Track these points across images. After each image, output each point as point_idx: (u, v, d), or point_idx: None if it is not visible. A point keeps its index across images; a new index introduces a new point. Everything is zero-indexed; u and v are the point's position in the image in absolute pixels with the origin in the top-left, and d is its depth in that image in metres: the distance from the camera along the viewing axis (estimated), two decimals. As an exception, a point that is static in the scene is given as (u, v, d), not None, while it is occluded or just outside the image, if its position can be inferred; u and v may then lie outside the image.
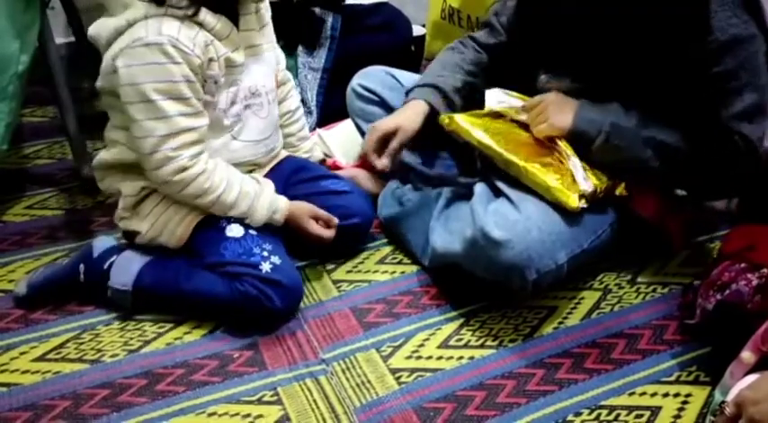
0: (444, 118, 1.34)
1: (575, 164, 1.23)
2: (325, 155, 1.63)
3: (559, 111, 1.25)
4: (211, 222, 1.26)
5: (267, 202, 1.27)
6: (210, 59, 1.19)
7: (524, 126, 1.30)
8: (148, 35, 1.14)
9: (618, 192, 1.27)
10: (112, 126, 1.28)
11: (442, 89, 1.39)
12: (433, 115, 1.37)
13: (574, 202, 1.19)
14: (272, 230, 1.29)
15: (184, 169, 1.19)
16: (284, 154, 1.44)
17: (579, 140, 1.25)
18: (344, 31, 1.79)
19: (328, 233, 1.32)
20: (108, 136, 1.29)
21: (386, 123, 1.36)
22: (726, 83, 1.19)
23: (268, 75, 1.34)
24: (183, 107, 1.18)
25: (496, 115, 1.33)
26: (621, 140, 1.22)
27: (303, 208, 1.31)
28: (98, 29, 1.20)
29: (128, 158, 1.25)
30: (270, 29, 1.35)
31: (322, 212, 1.32)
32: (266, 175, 1.37)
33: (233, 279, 1.21)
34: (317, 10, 1.78)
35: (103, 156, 1.30)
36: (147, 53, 1.14)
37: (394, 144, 1.35)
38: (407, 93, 1.42)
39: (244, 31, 1.27)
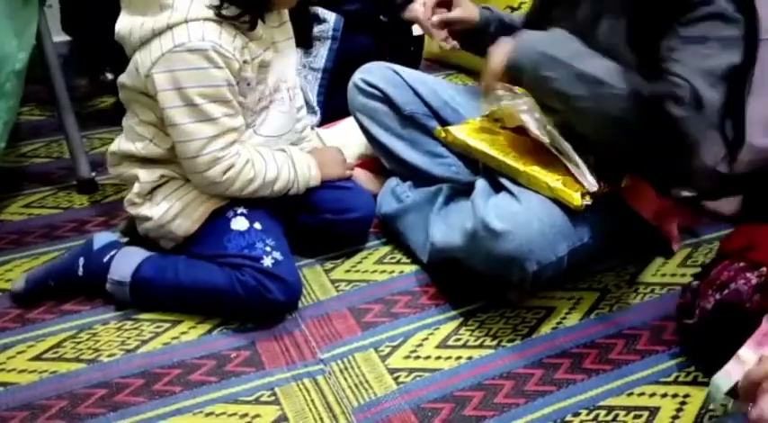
0: (440, 131, 1.36)
1: (576, 162, 1.22)
2: None
3: (501, 44, 1.22)
4: (218, 214, 1.27)
5: (304, 161, 1.32)
6: (245, 61, 1.20)
7: (520, 131, 1.30)
8: (192, 40, 1.14)
9: (623, 183, 1.27)
10: (139, 120, 1.27)
11: (494, 16, 1.45)
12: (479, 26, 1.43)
13: (577, 200, 1.18)
14: (276, 227, 1.29)
15: (231, 167, 1.22)
16: None
17: (516, 72, 1.19)
18: (344, 30, 1.79)
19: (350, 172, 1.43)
20: (132, 128, 1.29)
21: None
22: (696, 45, 1.14)
23: (290, 70, 1.35)
24: (227, 109, 1.19)
25: (490, 131, 1.32)
26: (551, 71, 1.14)
27: (327, 153, 1.40)
28: (128, 26, 1.20)
29: (154, 153, 1.26)
30: (289, 25, 1.35)
31: (340, 152, 1.41)
32: None
33: (233, 269, 1.21)
34: (320, 9, 1.78)
35: (124, 146, 1.29)
36: (191, 58, 1.15)
37: (453, 14, 1.42)
38: None
39: (266, 29, 1.27)
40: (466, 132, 1.32)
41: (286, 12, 1.34)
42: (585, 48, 1.17)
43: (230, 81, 1.18)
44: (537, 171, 1.22)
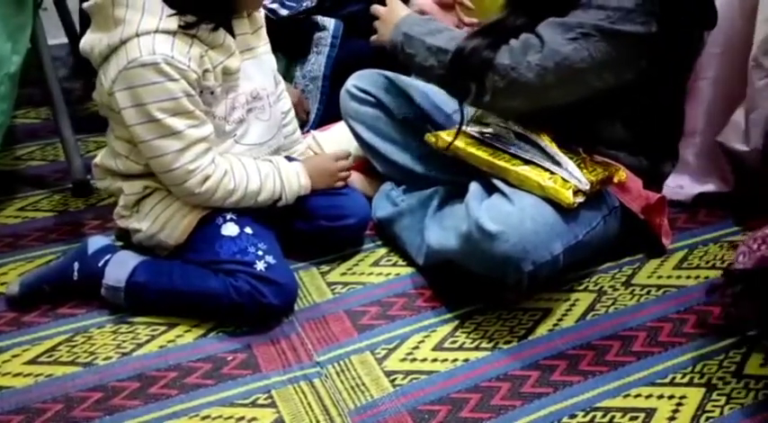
0: (430, 137, 1.37)
1: (565, 163, 1.22)
2: None
3: (387, 22, 1.35)
4: (208, 221, 1.26)
5: (292, 171, 1.30)
6: (206, 71, 1.19)
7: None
8: (142, 55, 1.13)
9: (617, 179, 1.27)
10: (115, 136, 1.27)
11: None
12: None
13: (569, 198, 1.19)
14: (267, 231, 1.29)
15: (207, 178, 1.21)
16: (281, 155, 1.43)
17: (394, 50, 1.33)
18: (343, 35, 1.79)
19: (346, 175, 1.41)
20: (111, 145, 1.29)
21: None
22: (575, 10, 1.19)
23: (267, 77, 1.33)
24: (190, 120, 1.18)
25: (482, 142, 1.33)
26: (411, 48, 1.30)
27: (317, 162, 1.38)
28: (90, 44, 1.20)
29: (133, 170, 1.26)
30: (264, 31, 1.34)
31: (331, 161, 1.39)
32: None
33: (227, 275, 1.21)
34: (319, 17, 1.78)
35: (106, 162, 1.29)
36: (145, 73, 1.14)
37: None
38: None
39: (238, 35, 1.26)
40: (455, 137, 1.33)
41: (261, 17, 1.33)
42: (440, 26, 1.31)
43: (188, 92, 1.17)
44: (527, 171, 1.22)
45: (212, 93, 1.22)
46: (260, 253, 1.23)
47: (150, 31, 1.14)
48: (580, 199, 1.20)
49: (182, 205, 1.26)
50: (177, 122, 1.17)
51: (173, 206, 1.26)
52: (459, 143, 1.32)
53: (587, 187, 1.21)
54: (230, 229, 1.26)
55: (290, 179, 1.31)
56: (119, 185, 1.29)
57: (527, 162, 1.25)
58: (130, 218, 1.29)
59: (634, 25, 1.18)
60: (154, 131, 1.17)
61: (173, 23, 1.15)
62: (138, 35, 1.14)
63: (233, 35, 1.25)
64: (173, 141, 1.17)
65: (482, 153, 1.29)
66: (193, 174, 1.20)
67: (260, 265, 1.22)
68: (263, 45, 1.33)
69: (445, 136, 1.34)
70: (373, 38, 1.39)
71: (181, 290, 1.24)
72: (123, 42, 1.15)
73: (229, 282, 1.21)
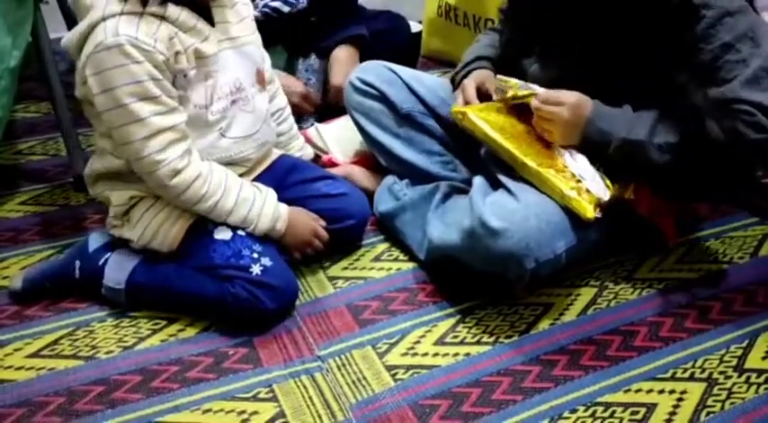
0: (458, 113, 1.32)
1: (592, 174, 1.22)
2: (322, 151, 1.62)
3: (571, 125, 1.23)
4: (200, 226, 1.25)
5: (271, 209, 1.26)
6: (177, 53, 1.16)
7: (526, 114, 1.28)
8: (107, 38, 1.11)
9: (626, 195, 1.27)
10: (98, 134, 1.26)
11: (492, 59, 1.43)
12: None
13: (591, 213, 1.18)
14: None
15: (178, 172, 1.17)
16: (278, 153, 1.42)
17: (589, 149, 1.24)
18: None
19: (320, 245, 1.34)
20: (96, 144, 1.28)
21: (471, 82, 1.39)
22: (726, 55, 1.15)
23: (250, 68, 1.30)
24: (156, 106, 1.15)
25: (507, 117, 1.31)
26: (633, 151, 1.20)
27: (302, 212, 1.31)
28: (69, 37, 1.18)
29: (116, 166, 1.24)
30: (250, 23, 1.32)
31: (316, 221, 1.33)
32: (260, 176, 1.35)
33: (224, 282, 1.20)
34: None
35: (93, 164, 1.28)
36: (110, 57, 1.11)
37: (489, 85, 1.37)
38: (459, 72, 1.44)
39: (219, 23, 1.24)
40: (483, 118, 1.29)
41: (245, 9, 1.31)
42: (649, 115, 1.19)
43: (153, 75, 1.13)
44: (552, 175, 1.21)
45: (185, 75, 1.18)
46: (255, 255, 1.22)
47: (116, 14, 1.12)
48: (599, 214, 1.20)
49: (170, 212, 1.24)
50: (141, 108, 1.14)
51: (162, 214, 1.24)
52: (487, 129, 1.27)
53: (606, 198, 1.20)
54: (223, 234, 1.24)
55: (267, 216, 1.25)
56: (106, 195, 1.27)
57: (551, 159, 1.23)
58: (122, 228, 1.27)
59: (757, 20, 1.17)
60: (121, 117, 1.14)
61: (138, 5, 1.13)
62: (104, 19, 1.12)
63: (211, 22, 1.22)
64: (137, 128, 1.14)
65: (508, 144, 1.26)
66: (161, 164, 1.16)
67: (256, 269, 1.20)
68: (248, 37, 1.30)
69: (473, 116, 1.29)
70: (548, 135, 1.26)
71: (178, 292, 1.23)
72: (92, 28, 1.13)
73: (226, 288, 1.20)
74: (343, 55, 1.77)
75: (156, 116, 1.15)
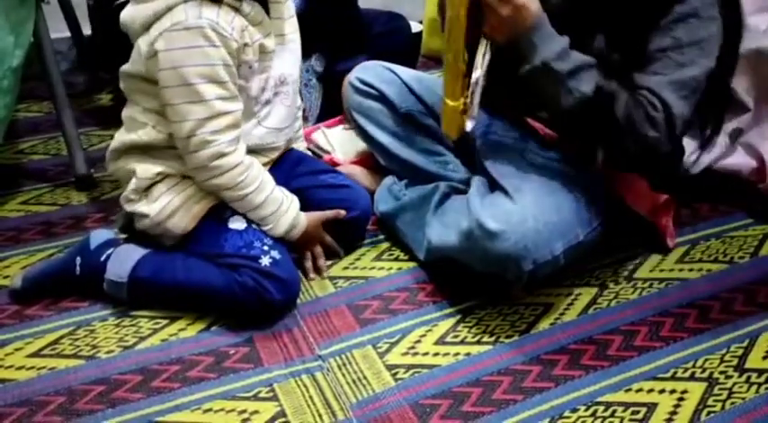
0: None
1: (479, 79, 1.18)
2: (323, 151, 1.62)
3: (508, 24, 1.15)
4: (215, 213, 1.27)
5: (293, 215, 1.29)
6: (245, 44, 1.21)
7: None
8: (188, 19, 1.15)
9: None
10: (140, 109, 1.27)
11: None
12: None
13: (454, 135, 1.21)
14: None
15: (222, 155, 1.21)
16: (288, 146, 1.45)
17: (509, 55, 1.18)
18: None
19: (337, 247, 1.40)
20: (132, 118, 1.29)
21: None
22: (671, 52, 1.16)
23: (294, 64, 1.35)
24: (221, 90, 1.19)
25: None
26: (546, 80, 1.17)
27: (316, 219, 1.34)
28: (131, 14, 1.21)
29: (155, 139, 1.26)
30: (295, 20, 1.36)
31: (329, 212, 1.36)
32: (271, 166, 1.37)
33: (231, 270, 1.21)
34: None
35: (124, 137, 1.29)
36: (188, 36, 1.15)
37: None
38: None
39: (274, 19, 1.28)
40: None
41: (292, 6, 1.35)
42: (579, 60, 1.16)
43: (226, 61, 1.18)
44: (453, 76, 1.18)
45: (250, 67, 1.23)
46: (266, 248, 1.23)
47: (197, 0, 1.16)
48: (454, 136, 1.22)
49: (194, 192, 1.27)
50: (209, 90, 1.17)
51: (184, 193, 1.26)
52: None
53: (470, 128, 1.20)
54: (237, 223, 1.26)
55: (288, 221, 1.29)
56: (131, 167, 1.28)
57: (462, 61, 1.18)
58: (139, 202, 1.28)
59: (719, 34, 1.18)
60: (184, 95, 1.17)
61: None
62: (185, 1, 1.16)
63: (269, 18, 1.27)
64: (198, 108, 1.18)
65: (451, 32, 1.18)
66: (210, 145, 1.19)
67: (265, 261, 1.22)
68: (293, 34, 1.35)
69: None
70: (486, 30, 1.18)
71: (184, 285, 1.24)
72: (169, 9, 1.16)
73: (233, 277, 1.21)
74: None
75: (219, 100, 1.18)
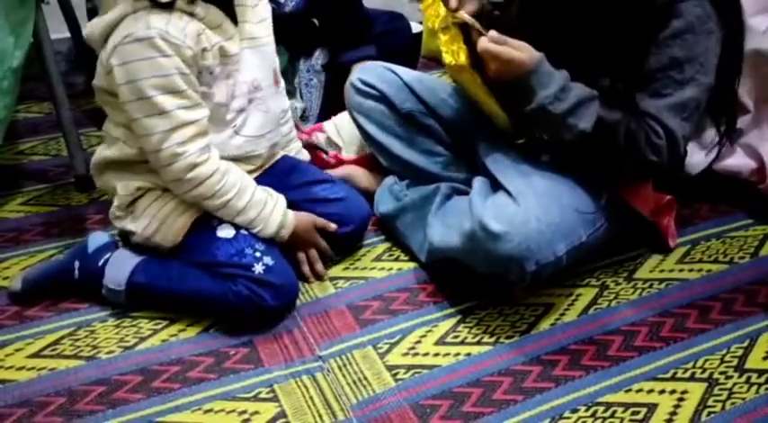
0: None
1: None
2: (331, 146, 1.62)
3: (509, 72, 1.19)
4: (203, 223, 1.25)
5: (280, 214, 1.27)
6: (204, 49, 1.18)
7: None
8: (138, 30, 1.13)
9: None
10: (113, 123, 1.27)
11: None
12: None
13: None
14: None
15: (195, 166, 1.19)
16: (280, 153, 1.43)
17: (511, 94, 1.23)
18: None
19: (329, 251, 1.36)
20: (108, 132, 1.28)
21: None
22: (670, 70, 1.18)
23: (268, 69, 1.33)
24: (181, 100, 1.16)
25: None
26: (546, 119, 1.20)
27: (307, 221, 1.32)
28: (92, 26, 1.19)
29: (128, 155, 1.25)
30: (269, 24, 1.34)
31: (320, 220, 1.34)
32: (261, 175, 1.35)
33: (226, 280, 1.21)
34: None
35: (102, 152, 1.29)
36: (139, 49, 1.13)
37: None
38: None
39: (241, 23, 1.26)
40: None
41: (265, 10, 1.32)
42: (578, 96, 1.18)
43: (182, 69, 1.15)
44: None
45: (211, 73, 1.20)
46: (257, 254, 1.22)
47: (147, 7, 1.14)
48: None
49: (175, 206, 1.25)
50: (167, 101, 1.15)
51: (167, 207, 1.25)
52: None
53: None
54: (226, 232, 1.24)
55: (275, 222, 1.26)
56: (113, 185, 1.28)
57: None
58: (125, 219, 1.28)
59: (717, 46, 1.20)
60: (144, 109, 1.15)
61: (168, 1, 1.14)
62: (134, 11, 1.14)
63: (235, 21, 1.24)
64: (160, 121, 1.15)
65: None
66: (180, 157, 1.17)
67: (258, 268, 1.21)
68: (267, 37, 1.32)
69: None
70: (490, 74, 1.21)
71: (179, 292, 1.23)
72: (121, 18, 1.15)
73: (228, 286, 1.20)
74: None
75: (181, 110, 1.16)
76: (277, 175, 1.38)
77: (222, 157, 1.24)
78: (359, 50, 1.76)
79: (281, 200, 1.29)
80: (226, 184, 1.22)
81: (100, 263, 1.25)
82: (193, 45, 1.16)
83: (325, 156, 1.62)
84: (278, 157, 1.41)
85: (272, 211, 1.26)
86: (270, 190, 1.30)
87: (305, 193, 1.38)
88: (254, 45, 1.28)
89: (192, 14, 1.17)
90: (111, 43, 1.15)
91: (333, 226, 1.35)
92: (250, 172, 1.31)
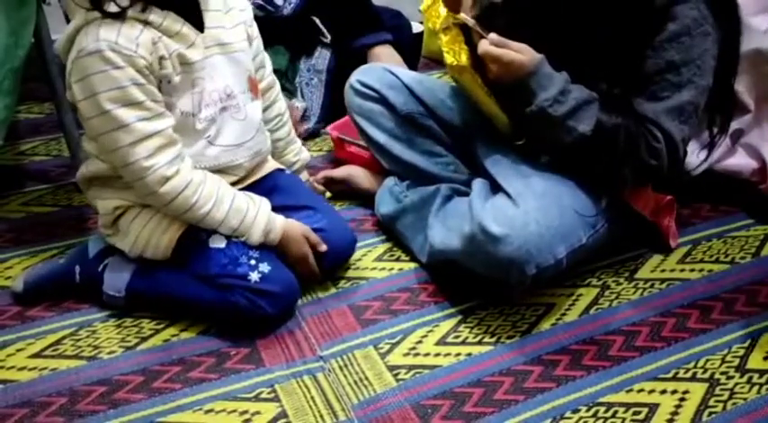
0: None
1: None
2: (344, 141, 1.62)
3: (509, 75, 1.19)
4: (194, 234, 1.22)
5: (264, 219, 1.23)
6: (161, 58, 1.14)
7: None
8: (88, 44, 1.10)
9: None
10: (87, 137, 1.24)
11: None
12: None
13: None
14: None
15: (167, 179, 1.14)
16: (272, 167, 1.37)
17: (512, 96, 1.23)
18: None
19: (316, 270, 1.30)
20: (84, 148, 1.26)
21: None
22: (667, 73, 1.19)
23: (241, 75, 1.27)
24: (140, 112, 1.12)
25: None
26: (546, 121, 1.20)
27: (297, 228, 1.27)
28: (58, 43, 1.17)
29: (104, 170, 1.21)
30: (241, 29, 1.28)
31: (313, 235, 1.28)
32: (248, 188, 1.30)
33: (223, 290, 1.19)
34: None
35: (82, 169, 1.26)
36: (91, 62, 1.09)
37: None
38: None
39: (210, 29, 1.21)
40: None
41: (241, 15, 1.28)
42: (578, 99, 1.19)
43: (136, 80, 1.10)
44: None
45: (170, 81, 1.16)
46: (252, 262, 1.20)
47: (97, 18, 1.11)
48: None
49: (159, 221, 1.21)
50: (126, 114, 1.11)
51: (151, 223, 1.21)
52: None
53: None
54: (218, 241, 1.21)
55: (259, 226, 1.22)
56: (95, 203, 1.26)
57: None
58: (114, 237, 1.25)
59: (714, 48, 1.20)
60: (105, 124, 1.12)
61: (119, 10, 1.11)
62: (86, 23, 1.11)
63: (201, 28, 1.20)
64: (123, 135, 1.12)
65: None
66: (150, 171, 1.13)
67: (254, 277, 1.19)
68: (240, 43, 1.27)
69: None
70: (491, 76, 1.22)
71: (178, 299, 1.23)
72: (76, 32, 1.12)
73: (226, 297, 1.19)
74: (385, 52, 1.78)
75: (141, 122, 1.12)
76: (257, 193, 1.29)
77: (201, 169, 1.21)
78: (377, 35, 1.75)
79: (263, 204, 1.25)
80: (201, 197, 1.17)
81: (99, 268, 1.25)
82: (147, 54, 1.11)
83: (356, 149, 1.61)
84: (267, 170, 1.36)
85: (255, 217, 1.22)
86: (252, 195, 1.26)
87: (283, 217, 1.29)
88: (225, 51, 1.23)
89: (146, 22, 1.12)
90: (70, 59, 1.13)
91: (324, 247, 1.29)
92: (233, 184, 1.27)
